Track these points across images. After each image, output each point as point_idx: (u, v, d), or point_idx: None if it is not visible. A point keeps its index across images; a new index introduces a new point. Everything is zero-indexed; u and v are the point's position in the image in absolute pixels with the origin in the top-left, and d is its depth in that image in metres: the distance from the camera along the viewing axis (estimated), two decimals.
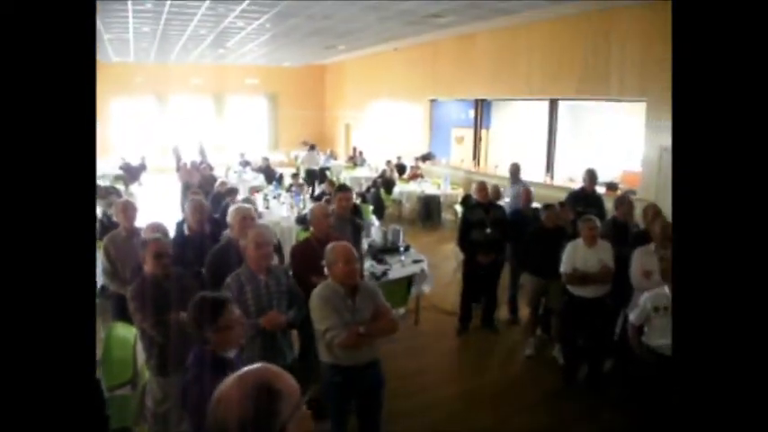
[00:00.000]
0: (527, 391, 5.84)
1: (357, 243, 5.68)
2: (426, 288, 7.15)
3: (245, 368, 1.64)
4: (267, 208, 10.57)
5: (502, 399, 5.65)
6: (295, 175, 13.49)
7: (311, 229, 5.10)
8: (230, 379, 1.59)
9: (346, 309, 3.70)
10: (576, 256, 5.57)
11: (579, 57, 11.85)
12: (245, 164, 16.72)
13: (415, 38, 15.33)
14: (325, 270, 3.84)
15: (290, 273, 4.58)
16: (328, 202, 7.04)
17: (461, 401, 5.57)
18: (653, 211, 6.02)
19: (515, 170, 9.43)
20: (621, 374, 5.73)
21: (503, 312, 7.58)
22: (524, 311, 7.01)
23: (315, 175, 16.67)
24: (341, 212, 5.65)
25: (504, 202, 8.92)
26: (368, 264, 6.65)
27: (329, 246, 3.84)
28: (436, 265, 8.54)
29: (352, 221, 5.80)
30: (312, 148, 18.27)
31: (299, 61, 22.55)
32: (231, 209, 5.01)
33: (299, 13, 12.07)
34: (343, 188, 6.25)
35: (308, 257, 4.70)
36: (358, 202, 10.17)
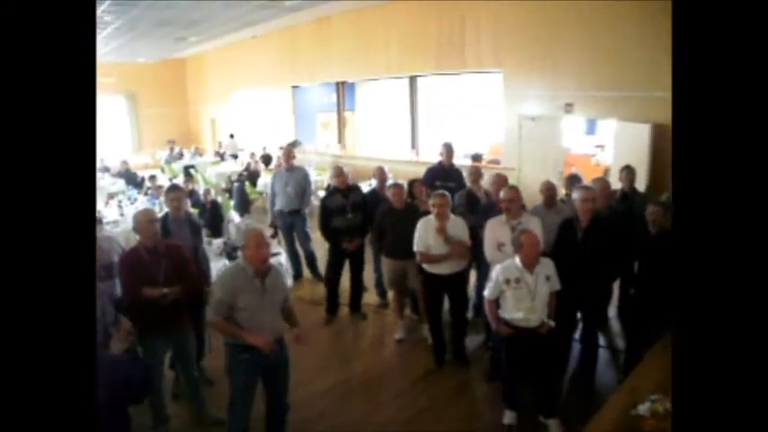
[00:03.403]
0: (400, 375, 5.71)
1: (197, 244, 5.30)
2: (287, 281, 6.83)
3: None
4: (122, 215, 9.74)
5: (375, 386, 5.49)
6: (152, 177, 12.60)
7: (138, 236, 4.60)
8: None
9: (254, 289, 3.82)
10: (427, 233, 5.39)
11: (435, 32, 11.88)
12: (105, 170, 15.57)
13: (270, 23, 14.84)
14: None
15: None
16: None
17: (333, 394, 5.32)
18: (497, 180, 5.94)
19: (289, 156, 8.34)
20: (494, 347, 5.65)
21: (372, 297, 7.39)
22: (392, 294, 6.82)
23: (236, 158, 16.88)
24: (175, 213, 5.22)
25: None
26: (221, 263, 6.22)
27: (245, 230, 3.94)
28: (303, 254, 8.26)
29: (189, 222, 5.38)
30: (231, 136, 18.96)
31: (155, 56, 21.33)
32: None
33: (139, 3, 11.32)
34: (173, 188, 5.75)
35: (136, 267, 4.30)
36: (219, 198, 9.72)
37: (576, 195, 4.90)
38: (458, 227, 5.41)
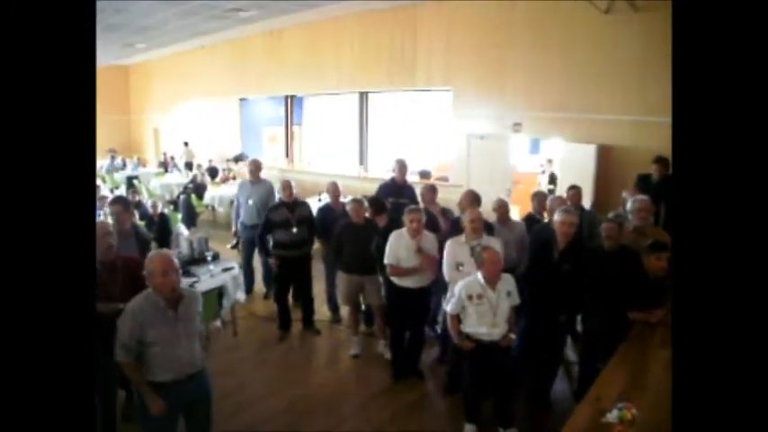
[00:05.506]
0: (358, 390, 5.69)
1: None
2: (241, 296, 6.75)
3: None
4: None
5: (332, 403, 5.43)
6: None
7: None
8: None
9: (166, 321, 3.49)
10: (399, 246, 5.42)
11: (387, 49, 12.02)
12: None
13: (221, 34, 14.67)
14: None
15: None
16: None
17: (290, 413, 5.24)
18: (466, 198, 6.02)
19: (257, 167, 8.13)
20: (450, 361, 5.70)
21: (324, 312, 7.36)
22: (345, 310, 6.83)
23: (191, 167, 16.24)
24: (120, 228, 5.06)
25: None
26: None
27: (149, 255, 3.66)
28: (255, 269, 8.17)
29: (136, 235, 5.25)
30: (186, 144, 18.23)
31: (98, 62, 20.66)
32: None
33: None
34: (117, 200, 5.56)
35: None
36: (166, 211, 9.52)
37: (556, 217, 5.00)
38: (428, 241, 5.47)
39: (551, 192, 9.84)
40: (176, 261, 3.65)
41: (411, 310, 5.66)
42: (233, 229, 8.43)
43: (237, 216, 8.10)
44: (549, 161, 12.58)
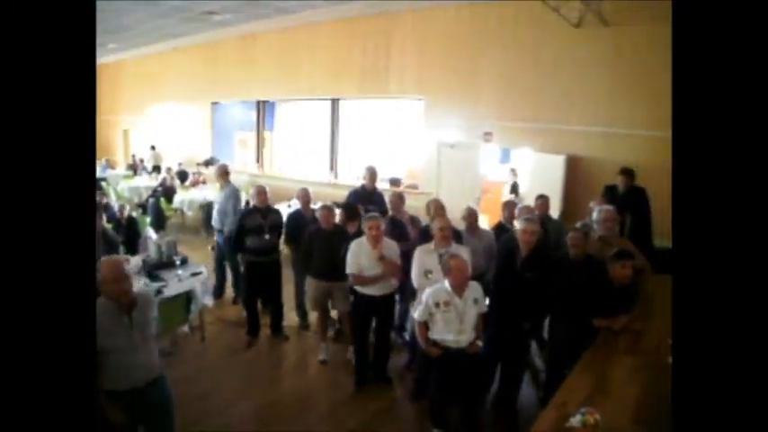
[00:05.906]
0: (326, 397, 5.67)
1: None
2: (209, 301, 6.69)
3: None
4: None
5: (300, 410, 5.39)
6: None
7: None
8: None
9: (122, 327, 3.42)
10: (360, 255, 5.41)
11: (360, 57, 12.10)
12: None
13: (194, 37, 14.65)
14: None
15: None
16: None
17: (257, 419, 5.21)
18: (434, 206, 6.07)
19: (223, 171, 8.14)
20: (418, 368, 5.72)
21: (293, 318, 7.33)
22: (314, 316, 6.81)
23: (158, 170, 16.24)
24: None
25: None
26: (141, 282, 6.01)
27: (100, 261, 3.51)
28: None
29: (104, 237, 5.21)
30: (153, 148, 18.04)
31: None
32: None
33: None
34: None
35: None
36: (134, 214, 9.41)
37: (518, 226, 5.06)
38: (389, 247, 5.47)
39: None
40: (127, 267, 3.59)
41: (376, 318, 5.68)
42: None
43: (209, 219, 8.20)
44: (513, 171, 12.73)
